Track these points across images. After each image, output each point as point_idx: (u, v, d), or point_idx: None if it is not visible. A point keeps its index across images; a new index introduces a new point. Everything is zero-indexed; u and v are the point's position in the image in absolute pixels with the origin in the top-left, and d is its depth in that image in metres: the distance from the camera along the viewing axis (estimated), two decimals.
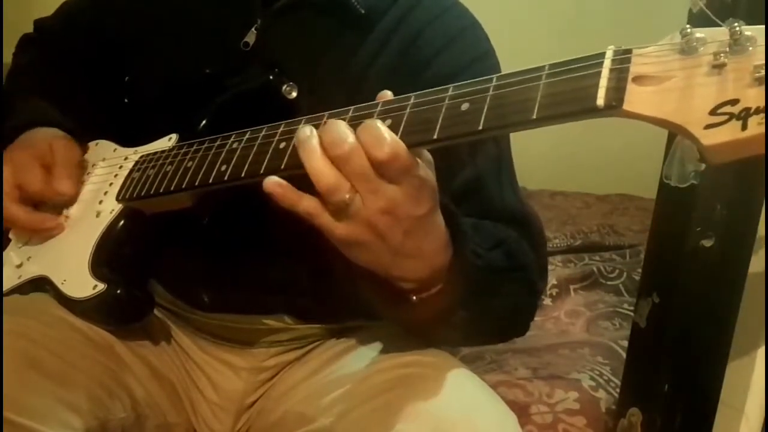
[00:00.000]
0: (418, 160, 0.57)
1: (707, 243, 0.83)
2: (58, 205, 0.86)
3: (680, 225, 0.85)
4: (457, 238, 0.64)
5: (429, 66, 0.80)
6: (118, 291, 0.77)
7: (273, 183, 0.59)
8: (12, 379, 0.68)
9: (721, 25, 0.47)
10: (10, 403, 0.66)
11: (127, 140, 0.89)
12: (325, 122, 0.60)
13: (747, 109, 0.43)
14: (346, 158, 0.56)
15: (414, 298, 0.65)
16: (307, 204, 0.59)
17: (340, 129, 0.57)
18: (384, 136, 0.55)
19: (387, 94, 0.61)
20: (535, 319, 1.40)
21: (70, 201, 0.86)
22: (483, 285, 0.68)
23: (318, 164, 0.57)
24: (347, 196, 0.56)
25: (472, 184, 0.79)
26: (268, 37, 0.83)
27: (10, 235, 0.91)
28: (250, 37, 0.83)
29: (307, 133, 0.58)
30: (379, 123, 0.56)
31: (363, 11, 0.81)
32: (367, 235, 0.58)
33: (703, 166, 0.81)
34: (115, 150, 0.90)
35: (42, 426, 0.67)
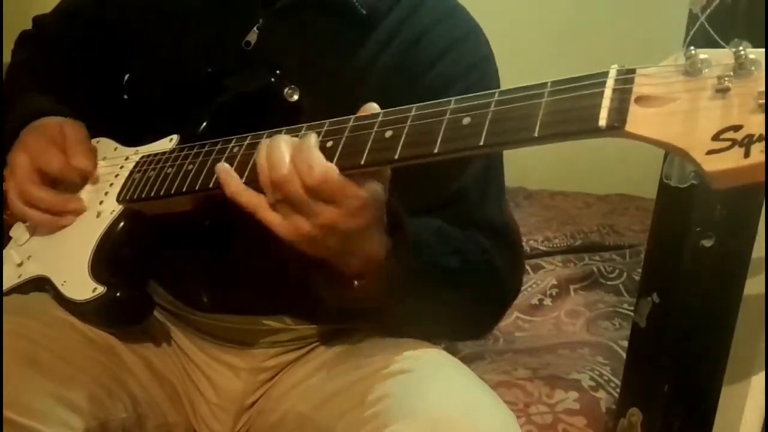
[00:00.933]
0: (366, 181, 0.61)
1: (707, 243, 0.83)
2: (75, 188, 0.86)
3: (680, 225, 0.85)
4: (396, 235, 0.67)
5: (429, 69, 0.80)
6: (118, 294, 0.77)
7: (222, 168, 0.68)
8: (12, 379, 0.68)
9: (721, 43, 0.47)
10: (10, 403, 0.66)
11: (127, 138, 0.89)
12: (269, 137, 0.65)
13: (750, 136, 0.43)
14: (283, 181, 0.61)
15: (355, 282, 0.68)
16: (244, 198, 0.65)
17: (281, 152, 0.61)
18: (315, 162, 0.60)
19: (373, 107, 0.63)
20: (535, 319, 1.42)
21: (89, 178, 0.86)
22: (429, 284, 0.72)
23: (261, 166, 0.62)
24: (278, 196, 0.61)
25: (455, 194, 0.80)
26: (269, 36, 0.83)
27: (11, 233, 0.91)
28: (252, 37, 0.83)
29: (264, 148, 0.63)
30: (312, 143, 0.61)
31: (365, 12, 0.81)
32: (301, 239, 0.63)
33: None
34: (115, 149, 0.89)
35: (42, 426, 0.67)
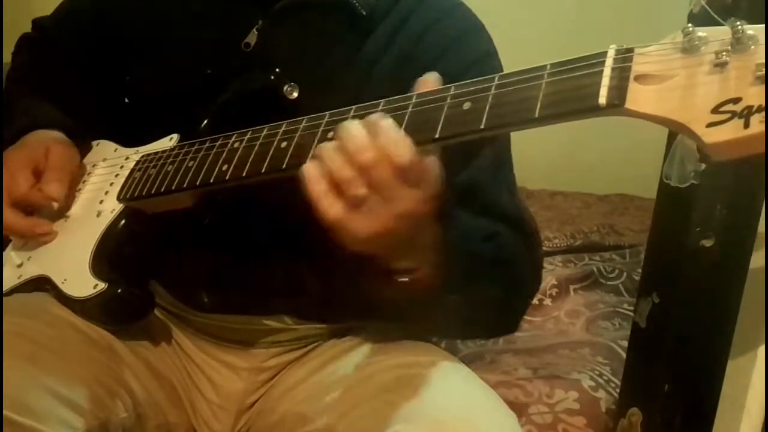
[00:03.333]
0: (433, 157, 0.58)
1: (707, 243, 0.83)
2: (53, 212, 0.86)
3: (680, 225, 0.85)
4: (445, 223, 0.65)
5: (431, 67, 0.80)
6: (119, 290, 0.77)
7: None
8: (13, 379, 0.68)
9: (722, 24, 0.47)
10: (11, 403, 0.66)
11: (128, 140, 0.89)
12: (342, 122, 0.60)
13: (749, 108, 0.43)
14: (369, 166, 0.56)
15: (405, 279, 0.66)
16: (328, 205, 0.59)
17: (361, 134, 0.57)
18: (403, 141, 0.56)
19: (430, 80, 0.61)
20: (535, 319, 1.42)
21: (61, 206, 0.85)
22: (471, 272, 0.70)
23: (333, 157, 0.58)
24: (363, 191, 0.57)
25: (469, 184, 0.79)
26: (269, 37, 0.83)
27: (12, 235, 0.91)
28: (251, 38, 0.83)
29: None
30: (391, 123, 0.57)
31: (365, 13, 0.81)
32: (383, 230, 0.58)
33: (703, 166, 0.81)
34: (116, 150, 0.90)
35: (43, 426, 0.67)
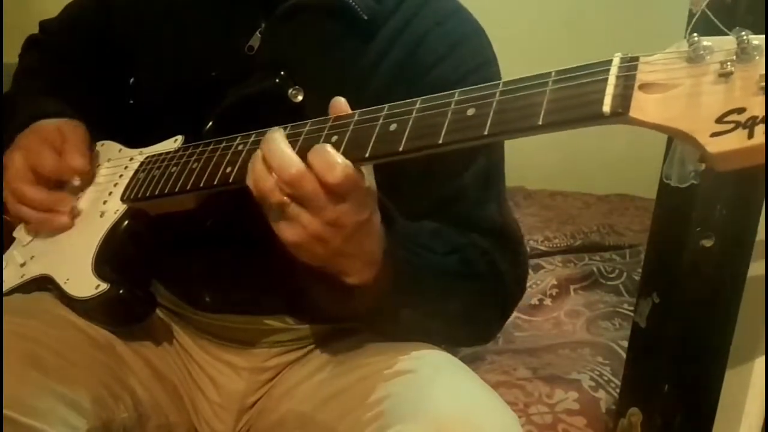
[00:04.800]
0: (363, 170, 0.61)
1: (707, 243, 0.83)
2: (72, 190, 0.86)
3: (680, 225, 0.85)
4: (390, 234, 0.68)
5: (430, 72, 0.80)
6: (121, 291, 0.78)
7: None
8: (15, 379, 0.68)
9: (722, 29, 0.47)
10: (13, 403, 0.66)
11: (132, 142, 0.89)
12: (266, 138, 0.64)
13: (753, 118, 0.43)
14: (295, 182, 0.60)
15: (354, 290, 0.68)
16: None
17: (286, 154, 0.61)
18: (336, 161, 0.59)
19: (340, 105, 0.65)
20: (535, 319, 1.42)
21: (85, 179, 0.86)
22: (429, 286, 0.72)
23: (258, 168, 0.62)
24: (284, 198, 0.61)
25: (454, 193, 0.80)
26: (272, 40, 0.83)
27: (14, 234, 0.91)
28: (255, 41, 0.83)
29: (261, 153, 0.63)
30: (329, 147, 0.60)
31: (366, 17, 0.81)
32: (310, 240, 0.62)
33: (703, 166, 0.82)
34: (120, 151, 0.90)
35: (45, 426, 0.67)
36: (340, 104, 0.65)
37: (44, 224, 0.86)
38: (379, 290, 0.68)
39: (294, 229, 0.62)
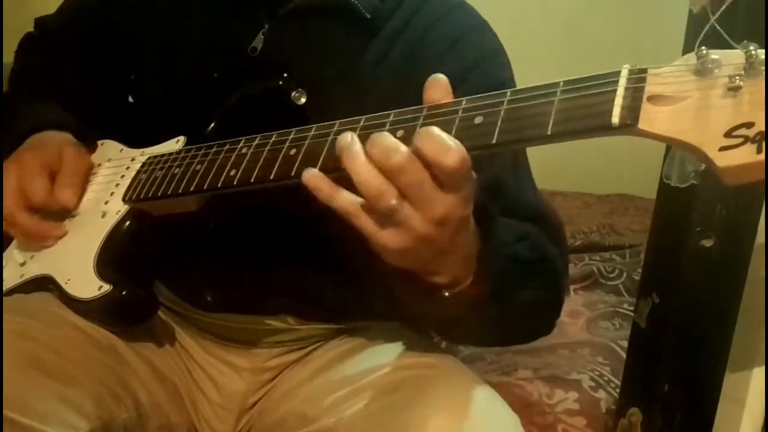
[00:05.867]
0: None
1: (707, 243, 0.83)
2: (62, 213, 0.86)
3: (680, 225, 0.85)
4: (484, 228, 0.62)
5: (436, 67, 0.79)
6: (124, 292, 0.77)
7: (310, 176, 0.58)
8: (15, 379, 0.68)
9: (732, 44, 0.47)
10: (13, 403, 0.66)
11: (133, 140, 0.89)
12: (369, 134, 0.56)
13: (762, 133, 0.43)
14: (399, 169, 0.53)
15: (446, 293, 0.62)
16: (340, 202, 0.56)
17: (388, 139, 0.54)
18: (449, 143, 0.52)
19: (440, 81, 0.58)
20: None
21: (71, 211, 0.86)
22: (511, 277, 0.67)
23: (363, 169, 0.54)
24: (394, 202, 0.54)
25: (492, 183, 0.75)
26: (275, 41, 0.83)
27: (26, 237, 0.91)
28: (258, 42, 0.83)
29: (348, 139, 0.56)
30: (437, 129, 0.53)
31: (369, 16, 0.81)
32: (415, 242, 0.55)
33: (703, 166, 0.81)
34: (121, 150, 0.90)
35: (46, 426, 0.67)
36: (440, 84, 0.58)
37: (34, 244, 0.86)
38: (477, 288, 0.62)
39: (401, 235, 0.55)
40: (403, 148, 0.54)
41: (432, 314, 0.68)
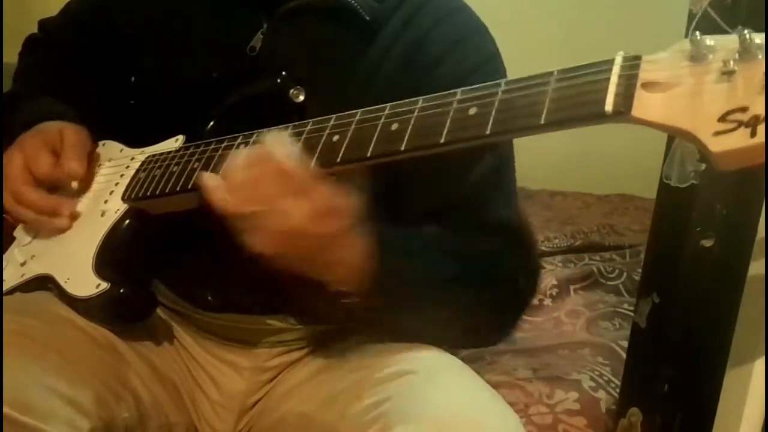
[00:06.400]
0: (339, 190, 0.62)
1: (707, 243, 0.83)
2: (71, 192, 0.86)
3: (680, 225, 0.85)
4: (378, 241, 0.68)
5: (433, 70, 0.80)
6: (122, 290, 0.78)
7: (202, 176, 0.68)
8: (16, 378, 0.68)
9: (725, 28, 0.47)
10: (14, 403, 0.66)
11: (133, 141, 0.89)
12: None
13: (756, 117, 0.43)
14: (257, 179, 0.62)
15: (341, 301, 0.69)
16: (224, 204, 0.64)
17: (234, 162, 0.64)
18: (291, 151, 0.61)
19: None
20: (535, 319, 1.42)
21: (81, 184, 0.86)
22: (427, 293, 0.73)
23: (217, 197, 0.64)
24: (251, 210, 0.62)
25: (463, 194, 0.80)
26: (273, 41, 0.83)
27: (15, 234, 0.91)
28: (257, 42, 0.83)
29: (203, 181, 0.67)
30: (285, 136, 0.63)
31: (368, 18, 0.81)
32: (281, 247, 0.64)
33: (703, 166, 0.81)
34: (121, 150, 0.90)
35: (48, 426, 0.67)
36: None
37: (43, 226, 0.86)
38: (369, 298, 0.69)
39: (264, 239, 0.63)
40: (247, 166, 0.62)
41: (339, 314, 0.74)
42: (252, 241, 0.63)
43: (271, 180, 0.61)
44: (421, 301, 0.73)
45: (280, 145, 0.62)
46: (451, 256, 0.75)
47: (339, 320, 0.82)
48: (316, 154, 0.63)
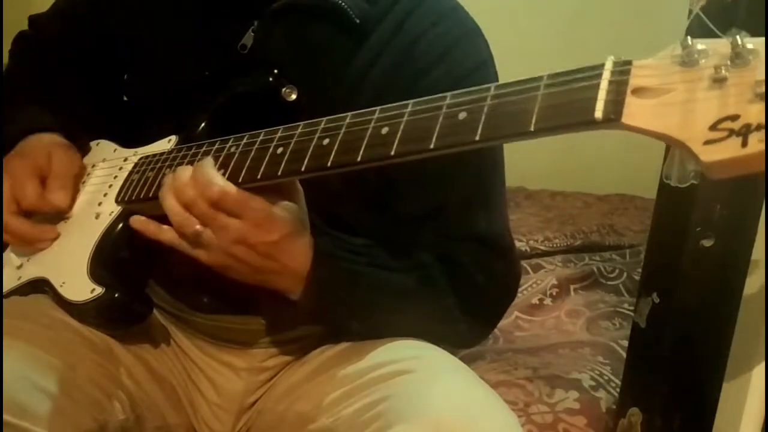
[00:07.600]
0: (273, 197, 0.67)
1: (707, 243, 0.83)
2: (55, 215, 0.86)
3: (680, 225, 0.84)
4: (323, 254, 0.73)
5: (425, 76, 0.79)
6: (116, 295, 0.77)
7: (136, 221, 0.74)
8: (10, 382, 0.68)
9: (717, 33, 0.46)
10: (9, 406, 0.66)
11: (127, 140, 0.89)
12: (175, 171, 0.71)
13: (747, 126, 0.42)
14: (191, 203, 0.67)
15: (291, 307, 0.74)
16: (165, 236, 0.72)
17: (184, 177, 0.68)
18: (213, 179, 0.67)
19: None
20: (536, 318, 1.42)
21: (64, 212, 0.86)
22: (380, 302, 0.77)
23: (169, 204, 0.69)
24: (197, 227, 0.68)
25: (441, 202, 0.81)
26: (264, 39, 0.83)
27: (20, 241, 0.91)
28: (248, 40, 0.83)
29: (163, 190, 0.71)
30: (209, 165, 0.68)
31: (358, 20, 0.80)
32: (228, 260, 0.69)
33: None
34: (115, 150, 0.89)
35: (41, 429, 0.67)
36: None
37: (29, 249, 0.87)
38: (312, 304, 0.73)
39: (213, 254, 0.69)
40: (192, 185, 0.68)
41: (298, 320, 0.81)
42: (201, 256, 0.69)
43: (202, 204, 0.67)
44: (374, 311, 0.77)
45: (201, 175, 0.67)
46: (412, 269, 0.78)
47: (301, 323, 0.86)
48: (307, 158, 0.63)
